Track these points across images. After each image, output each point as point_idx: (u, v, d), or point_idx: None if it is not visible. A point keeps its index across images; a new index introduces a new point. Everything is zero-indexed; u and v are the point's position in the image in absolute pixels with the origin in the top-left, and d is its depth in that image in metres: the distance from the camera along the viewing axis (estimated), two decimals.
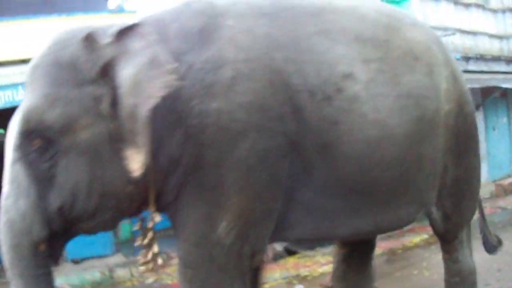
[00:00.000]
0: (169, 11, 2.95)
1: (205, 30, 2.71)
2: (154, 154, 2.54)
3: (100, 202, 2.58)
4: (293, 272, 7.06)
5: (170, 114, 2.58)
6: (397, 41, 3.12)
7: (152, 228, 2.78)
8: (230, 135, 2.59)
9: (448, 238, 3.69)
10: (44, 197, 2.51)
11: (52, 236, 2.55)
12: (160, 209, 2.76)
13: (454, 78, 3.38)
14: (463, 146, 3.45)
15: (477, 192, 3.77)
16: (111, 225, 2.82)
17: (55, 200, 2.51)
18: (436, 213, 3.48)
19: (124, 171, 2.50)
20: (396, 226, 3.54)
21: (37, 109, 2.50)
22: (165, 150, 2.60)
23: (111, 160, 2.53)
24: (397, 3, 11.31)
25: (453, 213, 3.53)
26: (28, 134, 2.50)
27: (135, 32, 2.55)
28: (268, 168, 2.68)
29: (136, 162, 2.46)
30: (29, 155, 2.50)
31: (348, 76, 2.85)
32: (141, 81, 2.43)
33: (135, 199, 2.67)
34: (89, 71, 2.49)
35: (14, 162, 2.52)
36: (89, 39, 2.49)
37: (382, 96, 2.93)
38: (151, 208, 2.70)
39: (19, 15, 7.46)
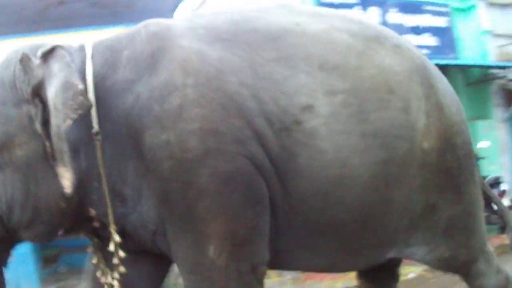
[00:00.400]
0: (127, 34, 2.92)
1: (156, 54, 2.68)
2: (108, 179, 2.63)
3: (34, 215, 2.67)
4: (355, 282, 6.99)
5: (124, 144, 2.64)
6: (370, 70, 2.84)
7: (116, 252, 2.75)
8: (187, 165, 2.54)
9: (463, 272, 3.33)
10: None
11: None
12: (148, 238, 2.79)
13: (438, 111, 3.00)
14: (461, 181, 3.11)
15: (483, 220, 3.34)
16: (46, 237, 2.88)
17: None
18: (429, 255, 3.14)
19: (57, 188, 2.57)
20: (355, 267, 3.36)
21: None
22: (122, 178, 2.67)
23: (45, 177, 2.61)
24: (464, 11, 11.17)
25: (461, 250, 3.19)
26: None
27: (54, 54, 2.61)
28: (238, 189, 2.58)
29: (66, 179, 2.53)
30: None
31: (307, 108, 2.68)
32: (58, 103, 2.49)
33: (68, 215, 2.73)
34: (24, 91, 2.59)
35: None
36: (24, 60, 2.57)
37: (344, 134, 2.72)
38: (112, 228, 2.70)
39: (87, 26, 7.67)
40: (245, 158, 2.56)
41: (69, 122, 2.45)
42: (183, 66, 2.61)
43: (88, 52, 2.74)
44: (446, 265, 3.27)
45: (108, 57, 2.74)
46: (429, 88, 3.00)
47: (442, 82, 3.16)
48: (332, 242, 2.91)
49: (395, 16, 10.10)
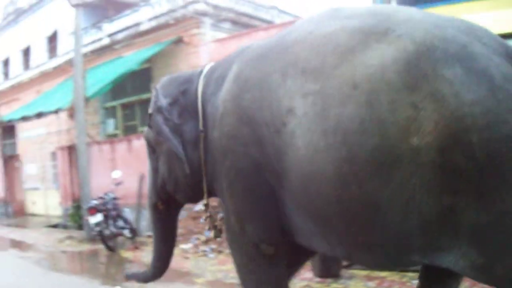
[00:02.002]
0: (227, 57, 4.16)
1: (224, 75, 3.86)
2: (204, 165, 4.02)
3: (175, 186, 4.31)
4: None
5: (206, 140, 3.96)
6: (344, 68, 2.97)
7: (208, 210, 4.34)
8: (221, 155, 3.72)
9: None
10: (157, 179, 4.46)
11: (165, 200, 4.49)
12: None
13: (435, 102, 2.68)
14: (486, 186, 2.64)
15: None
16: (189, 201, 4.54)
17: (159, 181, 4.43)
18: (460, 262, 2.84)
19: (184, 169, 4.05)
20: (374, 264, 3.74)
21: (145, 131, 4.64)
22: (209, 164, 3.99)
23: (178, 162, 4.11)
24: None
25: (497, 262, 2.76)
26: (147, 144, 4.55)
27: (158, 88, 4.33)
28: (243, 181, 3.58)
29: (184, 164, 4.02)
30: (150, 155, 4.56)
31: (290, 111, 3.15)
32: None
33: (195, 188, 4.16)
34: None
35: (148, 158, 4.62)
36: (155, 89, 4.32)
37: (310, 132, 3.00)
38: (205, 197, 4.21)
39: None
40: (250, 159, 3.49)
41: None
42: (228, 87, 3.74)
43: (203, 73, 4.21)
44: (481, 276, 2.89)
45: (209, 76, 4.12)
46: (422, 77, 2.73)
47: (459, 67, 2.70)
48: (331, 232, 3.22)
49: None
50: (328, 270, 7.39)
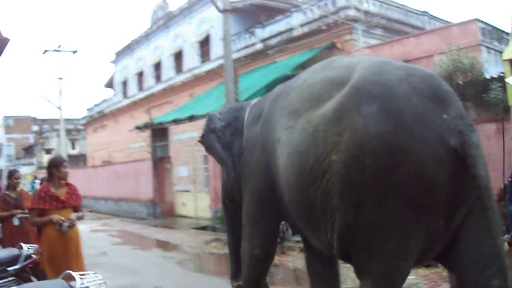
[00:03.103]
0: (266, 95, 5.75)
1: (259, 114, 5.42)
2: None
3: (231, 187, 6.02)
4: None
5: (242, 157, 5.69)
6: (311, 110, 4.19)
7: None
8: (248, 175, 5.39)
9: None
10: (223, 181, 6.40)
11: (230, 198, 6.23)
12: None
13: (351, 131, 3.68)
14: (362, 199, 3.67)
15: (386, 252, 3.76)
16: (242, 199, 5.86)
17: (224, 183, 6.32)
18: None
19: (232, 174, 5.89)
20: (324, 250, 4.63)
21: None
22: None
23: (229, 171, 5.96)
24: None
25: (355, 262, 4.01)
26: None
27: (212, 114, 6.22)
28: (257, 194, 5.22)
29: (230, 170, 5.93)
30: None
31: (278, 140, 4.63)
32: None
33: (240, 190, 5.69)
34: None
35: None
36: (208, 114, 6.28)
37: (283, 155, 4.48)
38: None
39: None
40: (261, 178, 5.11)
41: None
42: (259, 121, 5.36)
43: (251, 105, 5.88)
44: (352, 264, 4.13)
45: (251, 109, 5.76)
46: (347, 112, 3.78)
47: (376, 106, 3.65)
48: (306, 227, 4.61)
49: None
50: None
